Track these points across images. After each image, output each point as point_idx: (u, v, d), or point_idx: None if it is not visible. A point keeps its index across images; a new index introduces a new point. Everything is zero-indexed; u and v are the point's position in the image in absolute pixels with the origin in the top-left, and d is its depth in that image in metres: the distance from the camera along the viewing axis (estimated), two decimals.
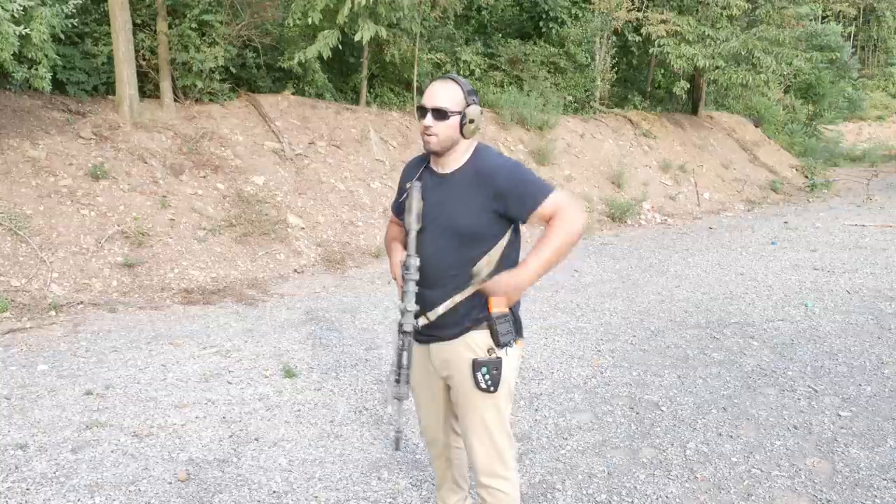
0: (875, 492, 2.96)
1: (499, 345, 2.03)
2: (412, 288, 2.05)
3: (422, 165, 2.19)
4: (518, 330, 2.11)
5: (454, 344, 2.08)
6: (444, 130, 2.02)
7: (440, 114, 2.00)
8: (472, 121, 2.03)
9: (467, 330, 2.06)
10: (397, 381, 2.08)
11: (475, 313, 2.06)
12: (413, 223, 2.07)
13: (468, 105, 2.03)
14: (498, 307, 2.00)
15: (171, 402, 3.79)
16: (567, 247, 2.00)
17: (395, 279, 2.18)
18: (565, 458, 3.24)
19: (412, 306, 2.05)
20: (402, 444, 2.18)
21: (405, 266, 2.07)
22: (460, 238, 2.04)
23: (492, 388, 2.04)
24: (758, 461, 3.22)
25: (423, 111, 2.03)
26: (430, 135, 2.02)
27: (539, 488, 2.98)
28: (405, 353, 2.06)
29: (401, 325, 2.07)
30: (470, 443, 2.16)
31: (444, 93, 2.02)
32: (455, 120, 2.02)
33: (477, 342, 2.05)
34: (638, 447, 3.36)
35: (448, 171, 2.10)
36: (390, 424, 2.33)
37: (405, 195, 2.15)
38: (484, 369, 2.03)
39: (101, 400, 3.77)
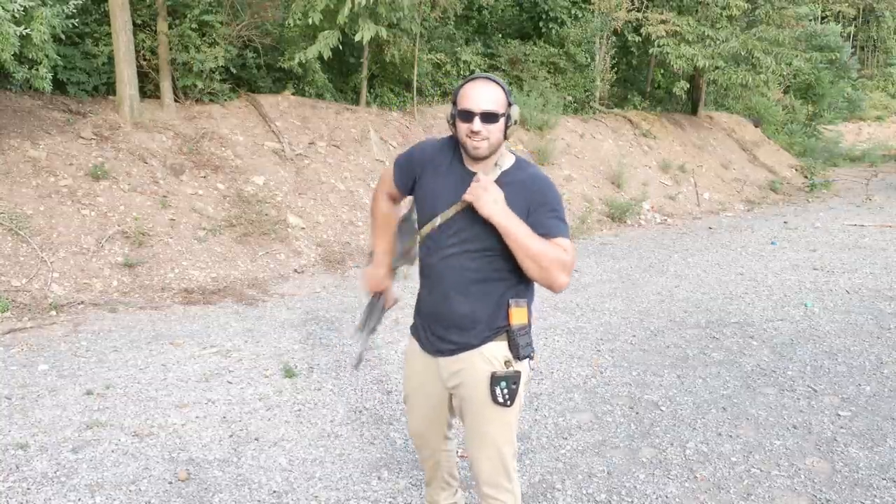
0: (874, 492, 2.97)
1: (518, 357, 1.96)
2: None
3: (451, 155, 2.05)
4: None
5: (470, 355, 2.00)
6: (494, 134, 1.90)
7: (490, 117, 1.88)
8: (515, 122, 1.95)
9: (486, 340, 1.99)
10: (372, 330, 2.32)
11: (495, 323, 1.99)
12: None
13: (510, 105, 1.94)
14: (516, 319, 1.96)
15: (171, 401, 3.80)
16: (545, 263, 1.84)
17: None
18: (565, 458, 3.25)
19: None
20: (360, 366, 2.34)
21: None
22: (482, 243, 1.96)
23: (508, 403, 1.97)
24: (757, 461, 3.22)
25: (467, 115, 1.89)
26: (480, 140, 1.90)
27: (539, 488, 2.98)
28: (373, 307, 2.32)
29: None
30: (475, 455, 2.08)
31: (490, 95, 1.89)
32: (502, 122, 1.92)
33: (494, 354, 1.97)
34: (638, 447, 3.37)
35: (484, 174, 1.97)
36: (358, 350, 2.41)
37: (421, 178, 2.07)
38: (503, 383, 1.95)
39: (101, 400, 3.78)
